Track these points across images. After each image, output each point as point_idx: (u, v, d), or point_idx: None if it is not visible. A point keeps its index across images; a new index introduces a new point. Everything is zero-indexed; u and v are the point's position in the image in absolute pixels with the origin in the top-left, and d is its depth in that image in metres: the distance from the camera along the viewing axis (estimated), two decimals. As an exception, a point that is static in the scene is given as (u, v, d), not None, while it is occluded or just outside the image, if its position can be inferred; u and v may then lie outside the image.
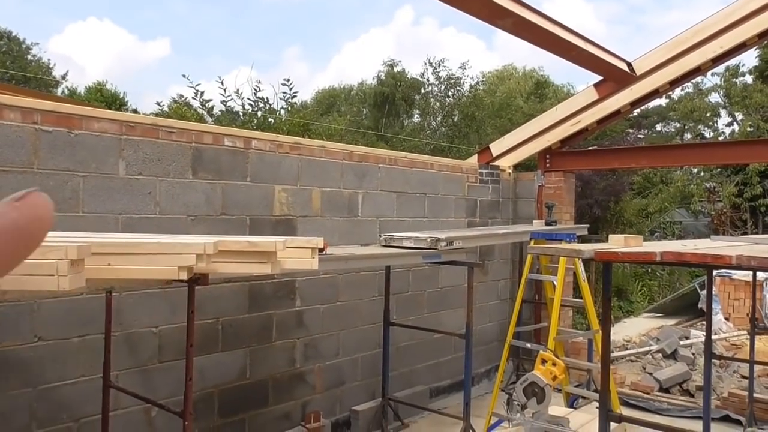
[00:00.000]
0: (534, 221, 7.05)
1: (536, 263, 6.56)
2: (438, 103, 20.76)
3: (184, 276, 2.50)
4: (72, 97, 23.89)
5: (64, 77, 31.10)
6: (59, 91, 28.23)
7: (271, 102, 11.74)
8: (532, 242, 5.60)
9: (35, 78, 27.48)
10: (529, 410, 4.26)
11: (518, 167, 8.05)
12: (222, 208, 4.66)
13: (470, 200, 7.12)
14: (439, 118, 20.90)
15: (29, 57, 31.63)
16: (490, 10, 4.32)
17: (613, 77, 6.07)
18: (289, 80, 11.80)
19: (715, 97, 22.50)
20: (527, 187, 7.75)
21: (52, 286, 2.00)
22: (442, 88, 20.43)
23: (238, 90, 11.23)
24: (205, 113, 11.17)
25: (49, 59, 30.53)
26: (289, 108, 12.21)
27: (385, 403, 5.68)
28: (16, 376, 3.58)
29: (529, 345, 6.00)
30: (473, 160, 7.69)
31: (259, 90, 11.24)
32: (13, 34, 31.52)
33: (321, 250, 3.49)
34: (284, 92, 11.84)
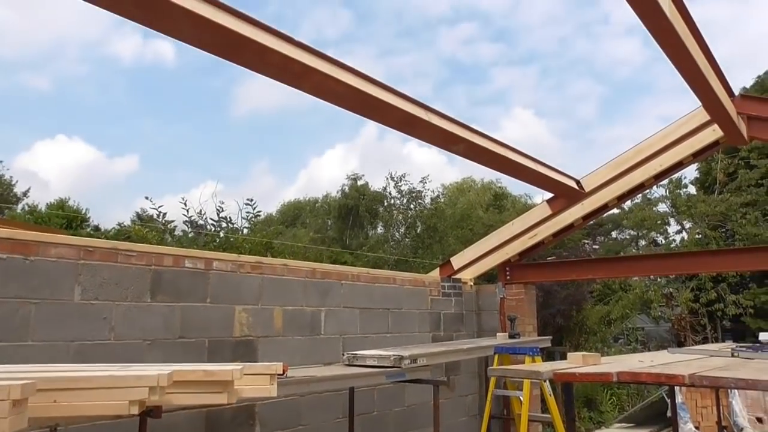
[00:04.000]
0: (498, 334, 7.05)
1: (502, 378, 6.50)
2: (401, 215, 21.22)
3: (135, 410, 2.42)
4: (32, 213, 23.66)
5: (25, 194, 30.88)
6: (19, 207, 27.94)
7: (234, 222, 11.81)
8: (496, 358, 5.57)
9: (-6, 195, 27.23)
10: None
11: (480, 279, 8.16)
12: (180, 330, 4.56)
13: (434, 314, 7.12)
14: (402, 230, 21.27)
15: (-9, 173, 31.43)
16: (443, 137, 4.58)
17: (564, 194, 6.37)
18: (252, 200, 11.94)
19: (663, 207, 23.57)
20: (490, 299, 7.82)
21: (-10, 430, 1.90)
22: (405, 201, 20.97)
23: (201, 210, 11.29)
24: (167, 235, 11.13)
25: (11, 176, 30.43)
26: (252, 227, 12.29)
27: None
28: None
29: (498, 465, 5.80)
30: (435, 273, 7.78)
31: (222, 210, 11.30)
32: (-24, 151, 31.51)
33: (281, 374, 3.42)
34: (248, 211, 11.97)
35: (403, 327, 6.65)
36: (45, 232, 4.34)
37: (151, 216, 12.08)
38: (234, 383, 2.81)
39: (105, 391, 2.41)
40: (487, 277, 8.81)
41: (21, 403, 1.98)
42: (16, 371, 2.72)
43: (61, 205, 25.70)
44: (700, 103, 5.00)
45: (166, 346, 4.44)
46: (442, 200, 22.14)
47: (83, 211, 26.12)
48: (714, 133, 5.72)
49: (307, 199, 35.35)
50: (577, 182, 6.22)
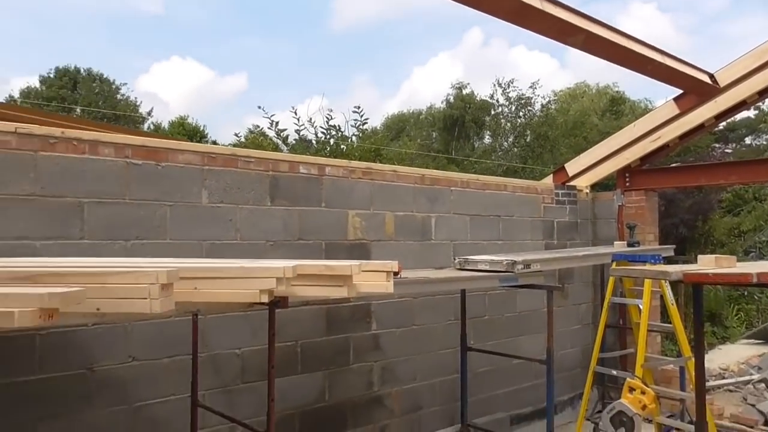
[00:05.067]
0: (615, 243, 6.81)
1: (619, 286, 6.32)
2: (509, 124, 20.58)
3: (265, 299, 2.57)
4: (157, 131, 25.28)
5: (149, 113, 33.00)
6: (145, 126, 29.94)
7: (342, 129, 12.01)
8: (614, 264, 5.40)
9: (124, 115, 29.29)
10: (616, 439, 4.07)
11: (596, 187, 7.83)
12: (299, 233, 4.78)
13: (547, 222, 6.97)
14: (510, 139, 20.69)
15: (118, 96, 33.82)
16: (559, 28, 4.27)
17: (695, 90, 5.84)
18: (359, 107, 12.05)
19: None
20: (606, 208, 7.51)
21: (144, 309, 2.10)
22: (513, 108, 20.25)
23: (311, 119, 11.57)
24: (280, 142, 11.55)
25: (136, 97, 32.57)
26: (360, 134, 12.43)
27: (464, 430, 5.58)
28: (113, 393, 3.78)
29: (614, 372, 5.75)
30: (548, 180, 7.54)
31: (331, 118, 11.53)
32: (104, 76, 33.81)
33: (395, 273, 3.51)
34: (355, 119, 12.09)
35: (514, 234, 6.58)
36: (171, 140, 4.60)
37: (264, 132, 12.55)
38: (353, 278, 2.91)
39: (238, 280, 2.58)
40: (604, 186, 8.43)
41: (167, 287, 2.15)
42: (161, 262, 2.98)
43: (181, 122, 27.21)
44: None
45: (286, 247, 4.68)
46: (553, 107, 21.15)
47: (201, 128, 27.51)
48: None
49: (410, 111, 35.10)
50: (711, 76, 5.66)
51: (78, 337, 3.67)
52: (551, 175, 7.70)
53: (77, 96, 31.35)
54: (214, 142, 22.88)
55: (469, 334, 5.58)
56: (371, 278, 3.17)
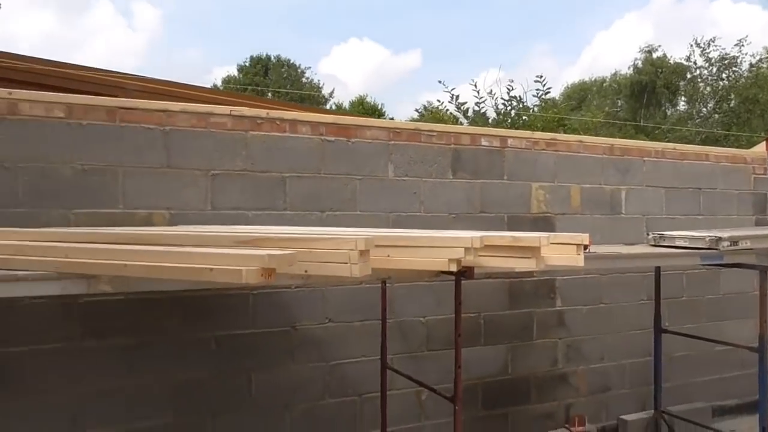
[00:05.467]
0: None
1: None
2: (709, 88, 18.56)
3: (453, 268, 2.63)
4: (340, 110, 26.75)
5: (331, 94, 34.99)
6: (328, 106, 31.80)
7: (523, 101, 11.72)
8: None
9: (309, 96, 31.37)
10: None
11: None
12: (480, 206, 4.79)
13: (758, 195, 6.22)
14: (710, 105, 18.68)
15: (303, 80, 36.30)
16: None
17: None
18: (541, 76, 11.64)
19: None
20: (837, 178, 6.50)
21: (345, 273, 2.27)
22: (714, 70, 18.21)
23: (491, 91, 11.45)
24: (460, 116, 11.60)
25: (319, 80, 34.76)
26: (542, 104, 12.03)
27: (658, 417, 5.24)
28: (313, 351, 4.16)
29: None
30: (760, 148, 6.72)
31: (512, 89, 11.32)
32: (291, 62, 36.48)
33: (585, 247, 3.39)
34: (537, 89, 11.72)
35: (717, 209, 5.98)
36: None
37: (440, 107, 12.68)
38: (541, 250, 2.86)
39: (427, 249, 2.67)
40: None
41: (365, 253, 2.30)
42: (357, 231, 3.18)
43: (361, 101, 28.49)
44: None
45: (467, 219, 4.72)
46: (765, 66, 18.61)
47: (379, 106, 28.56)
48: None
49: (592, 79, 33.18)
50: None
51: (282, 299, 4.06)
52: (764, 142, 6.84)
53: (268, 81, 34.24)
54: (392, 119, 23.68)
55: (663, 315, 5.21)
56: (560, 251, 3.09)
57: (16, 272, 2.25)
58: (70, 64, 5.64)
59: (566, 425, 5.02)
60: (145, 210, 3.66)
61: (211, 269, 1.98)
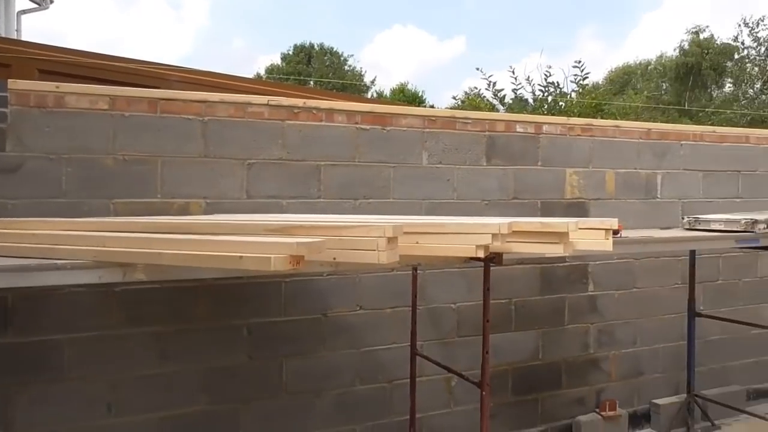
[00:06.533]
0: None
1: None
2: (756, 68, 17.92)
3: (481, 254, 2.68)
4: (380, 98, 26.80)
5: (373, 82, 35.01)
6: (369, 94, 31.85)
7: (561, 86, 11.56)
8: None
9: (351, 85, 31.45)
10: None
11: None
12: (514, 192, 4.81)
13: (800, 177, 6.06)
14: (758, 85, 18.04)
15: (346, 68, 36.37)
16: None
17: None
18: (580, 62, 11.45)
19: None
20: None
21: (373, 260, 2.34)
22: (762, 50, 17.56)
23: (528, 77, 11.36)
24: (497, 103, 11.53)
25: (361, 68, 34.87)
26: (581, 90, 11.84)
27: (690, 400, 5.22)
28: (344, 338, 4.25)
29: None
30: (804, 130, 6.52)
31: (549, 75, 11.17)
32: (334, 50, 36.58)
33: (615, 232, 3.39)
34: (575, 75, 11.54)
35: (757, 191, 5.85)
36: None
37: (480, 94, 12.60)
38: (569, 235, 2.88)
39: (455, 236, 2.73)
40: None
41: (393, 240, 2.37)
42: (387, 218, 3.26)
43: (401, 89, 28.43)
44: None
45: (501, 206, 4.74)
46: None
47: (420, 94, 28.46)
48: None
49: (638, 62, 32.35)
50: None
51: (314, 286, 4.17)
52: (809, 124, 6.64)
53: (311, 69, 34.43)
54: (432, 106, 23.58)
55: (698, 299, 5.17)
56: (589, 236, 3.11)
57: (56, 261, 2.31)
58: (114, 56, 5.81)
59: (597, 410, 5.04)
60: (182, 199, 3.79)
61: (241, 257, 2.06)
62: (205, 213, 3.83)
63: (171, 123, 3.78)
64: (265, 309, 4.01)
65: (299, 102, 4.19)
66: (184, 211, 3.79)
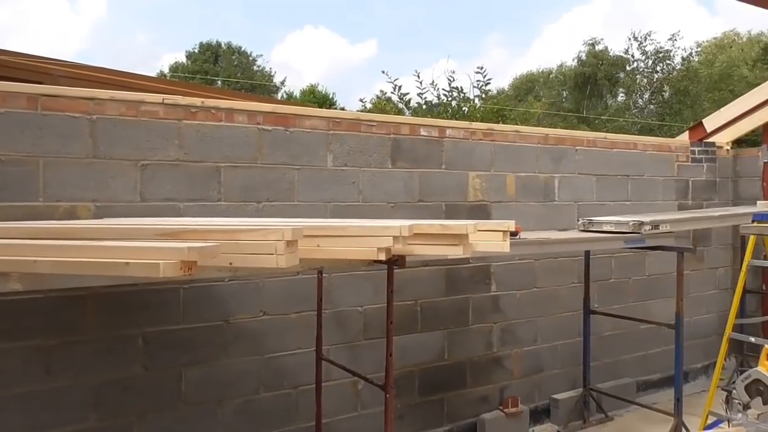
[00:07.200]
0: (758, 202, 6.24)
1: (763, 249, 5.82)
2: (645, 80, 19.22)
3: (382, 257, 2.67)
4: (289, 99, 26.43)
5: (282, 83, 34.47)
6: (279, 95, 31.32)
7: (465, 91, 11.88)
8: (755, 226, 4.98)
9: (260, 85, 30.82)
10: (753, 411, 3.83)
11: (738, 144, 7.18)
12: (419, 195, 4.86)
13: (681, 181, 6.53)
14: (646, 96, 19.36)
15: (255, 68, 35.59)
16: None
17: None
18: (482, 68, 11.84)
19: None
20: (750, 165, 6.89)
21: (271, 264, 2.27)
22: (650, 63, 18.87)
23: (433, 82, 11.56)
24: (403, 107, 11.66)
25: (270, 68, 34.25)
26: (483, 96, 12.23)
27: (586, 393, 5.48)
28: (247, 345, 4.13)
29: (753, 339, 5.35)
30: (684, 137, 7.02)
31: (453, 80, 11.46)
32: (242, 49, 35.70)
33: (514, 233, 3.49)
34: (478, 80, 11.90)
35: (644, 195, 6.25)
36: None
37: (388, 98, 12.73)
38: (468, 237, 2.93)
39: (357, 238, 2.70)
40: (751, 143, 7.71)
41: (292, 244, 2.31)
42: (287, 221, 3.19)
43: (311, 90, 28.19)
44: None
45: (407, 208, 4.78)
46: (696, 60, 19.41)
47: (330, 95, 28.34)
48: None
49: (540, 70, 33.86)
50: None
51: (215, 292, 4.02)
52: (687, 131, 7.16)
53: (218, 69, 33.44)
54: (342, 108, 23.53)
55: (593, 297, 5.44)
56: (488, 237, 3.17)
57: None
58: (-8, 49, 5.39)
59: (500, 407, 5.18)
60: (68, 202, 3.53)
61: (127, 263, 1.94)
62: (95, 217, 3.60)
63: (54, 121, 3.52)
64: (162, 317, 3.82)
65: (197, 101, 4.03)
66: (71, 215, 3.54)
